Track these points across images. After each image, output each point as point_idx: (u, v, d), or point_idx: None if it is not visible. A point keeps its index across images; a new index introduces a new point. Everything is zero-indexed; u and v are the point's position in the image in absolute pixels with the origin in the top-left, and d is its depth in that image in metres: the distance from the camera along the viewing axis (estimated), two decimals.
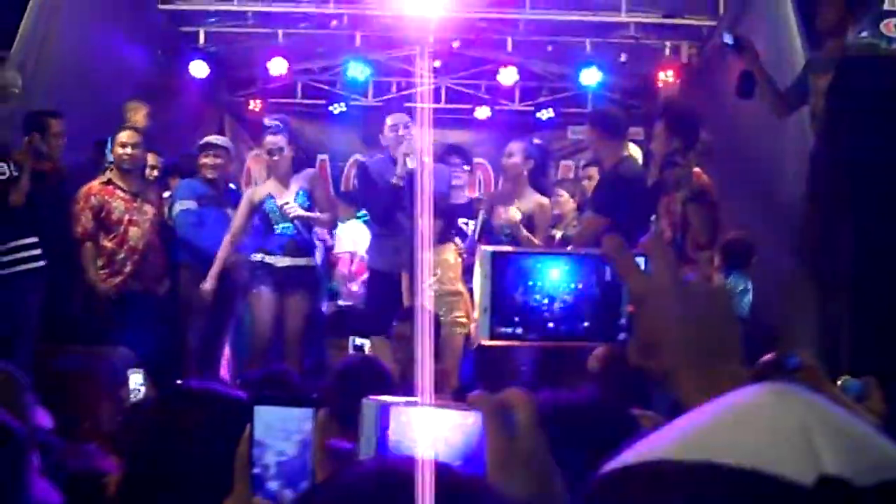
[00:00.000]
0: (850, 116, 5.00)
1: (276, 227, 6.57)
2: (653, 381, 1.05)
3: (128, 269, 6.56)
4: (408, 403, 1.11)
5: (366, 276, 7.27)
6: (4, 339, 5.56)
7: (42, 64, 6.65)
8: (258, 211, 6.60)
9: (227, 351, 7.24)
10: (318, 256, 7.40)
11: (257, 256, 6.64)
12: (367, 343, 5.89)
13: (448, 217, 6.34)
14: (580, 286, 1.11)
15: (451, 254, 6.33)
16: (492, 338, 1.10)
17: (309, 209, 6.58)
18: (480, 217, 6.48)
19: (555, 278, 1.11)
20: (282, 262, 6.58)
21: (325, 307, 7.73)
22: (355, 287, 7.77)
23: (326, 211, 6.79)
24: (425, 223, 5.13)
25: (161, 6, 8.63)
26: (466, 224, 6.77)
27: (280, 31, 8.99)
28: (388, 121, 6.46)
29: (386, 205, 6.29)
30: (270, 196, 6.59)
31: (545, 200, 6.55)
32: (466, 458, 1.06)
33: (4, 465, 1.52)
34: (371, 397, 1.09)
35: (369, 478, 0.84)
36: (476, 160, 10.13)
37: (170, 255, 6.87)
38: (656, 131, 6.16)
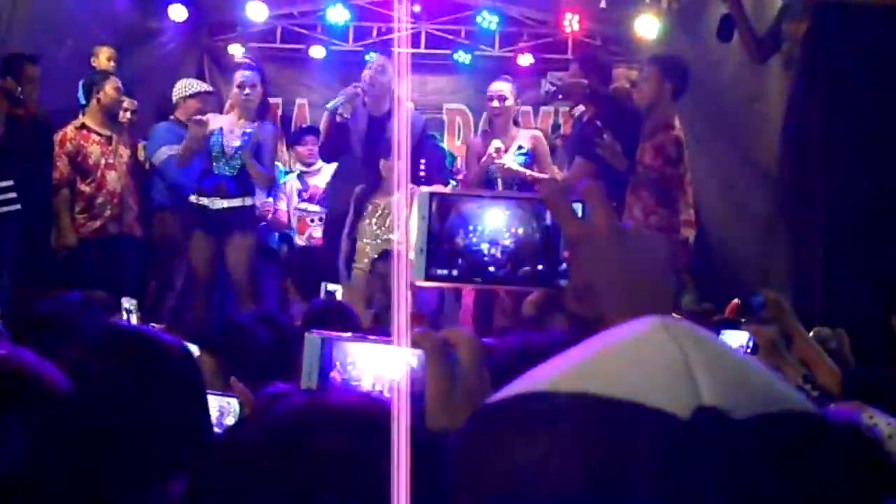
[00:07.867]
0: (825, 64, 5.02)
1: (214, 164, 6.32)
2: (587, 328, 1.07)
3: (107, 212, 6.56)
4: (351, 338, 1.13)
5: (309, 230, 7.29)
6: None
7: (19, 8, 6.56)
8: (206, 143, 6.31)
9: None
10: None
11: (192, 198, 6.43)
12: (338, 289, 5.86)
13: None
14: (520, 231, 1.10)
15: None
16: (427, 279, 1.09)
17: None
18: None
19: (494, 222, 1.10)
20: (217, 203, 6.35)
21: (280, 247, 7.55)
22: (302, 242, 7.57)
23: (267, 168, 6.47)
24: (402, 166, 5.11)
25: None
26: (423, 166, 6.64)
27: None
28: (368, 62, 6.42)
29: (331, 139, 6.27)
30: (220, 130, 6.34)
31: (538, 132, 6.54)
32: (409, 394, 1.09)
33: None
34: (314, 331, 1.11)
35: (296, 411, 0.86)
36: (455, 105, 10.11)
37: (146, 197, 6.86)
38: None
